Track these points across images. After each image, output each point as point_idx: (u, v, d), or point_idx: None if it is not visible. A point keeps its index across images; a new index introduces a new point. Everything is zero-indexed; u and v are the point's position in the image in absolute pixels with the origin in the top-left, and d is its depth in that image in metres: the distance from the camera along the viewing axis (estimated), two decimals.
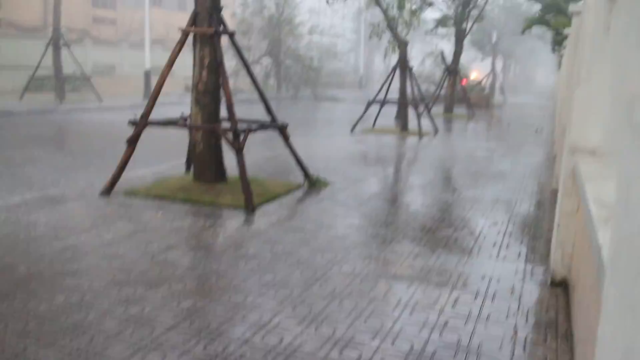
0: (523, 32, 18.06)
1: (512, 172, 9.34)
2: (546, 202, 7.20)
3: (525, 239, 5.50)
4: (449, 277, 4.35)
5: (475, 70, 34.22)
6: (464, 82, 31.51)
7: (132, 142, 6.87)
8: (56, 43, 19.44)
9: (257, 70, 29.81)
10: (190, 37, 7.00)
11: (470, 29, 21.11)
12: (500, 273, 4.50)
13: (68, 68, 20.73)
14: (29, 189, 6.91)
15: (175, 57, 6.96)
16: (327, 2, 14.37)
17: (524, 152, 12.01)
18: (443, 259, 4.78)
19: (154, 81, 19.55)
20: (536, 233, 5.74)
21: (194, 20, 6.87)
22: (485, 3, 20.92)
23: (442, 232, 5.62)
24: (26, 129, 13.72)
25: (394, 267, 4.54)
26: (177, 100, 21.60)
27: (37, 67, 19.15)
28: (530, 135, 15.43)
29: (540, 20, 16.92)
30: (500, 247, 5.20)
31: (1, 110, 16.14)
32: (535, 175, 9.21)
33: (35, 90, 20.29)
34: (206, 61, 6.90)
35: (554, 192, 7.50)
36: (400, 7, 17.98)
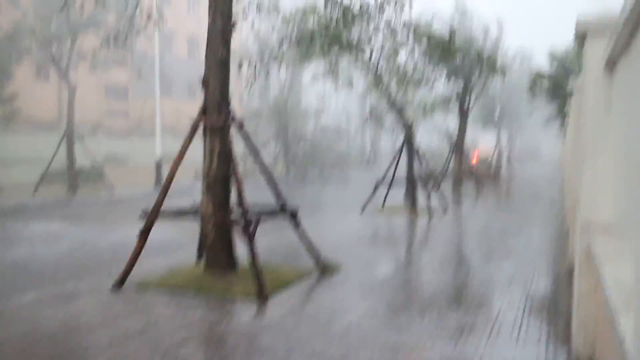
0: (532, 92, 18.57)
1: (525, 249, 9.23)
2: (562, 278, 7.08)
3: (545, 320, 5.37)
4: None
5: (483, 146, 34.63)
6: (475, 158, 31.84)
7: (144, 234, 6.90)
8: (70, 137, 19.96)
9: (265, 154, 30.31)
10: (200, 128, 7.17)
11: (472, 105, 21.53)
12: (522, 357, 4.36)
13: (81, 160, 21.17)
14: (41, 286, 6.88)
15: (186, 149, 7.11)
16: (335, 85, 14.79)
17: (536, 226, 11.92)
18: (462, 345, 4.65)
19: (164, 169, 19.93)
20: (555, 312, 5.60)
21: (204, 112, 7.06)
22: (485, 81, 21.41)
23: (459, 315, 5.50)
24: (40, 223, 13.84)
25: (412, 355, 4.41)
26: (188, 187, 21.88)
27: (51, 161, 19.55)
28: (540, 209, 15.37)
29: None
30: (519, 329, 5.07)
31: (15, 205, 16.37)
32: (550, 250, 9.10)
33: (48, 184, 20.63)
34: (216, 151, 7.03)
35: (570, 268, 7.39)
36: (402, 86, 18.42)
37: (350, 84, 15.14)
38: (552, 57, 21.15)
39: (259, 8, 9.61)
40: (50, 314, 5.48)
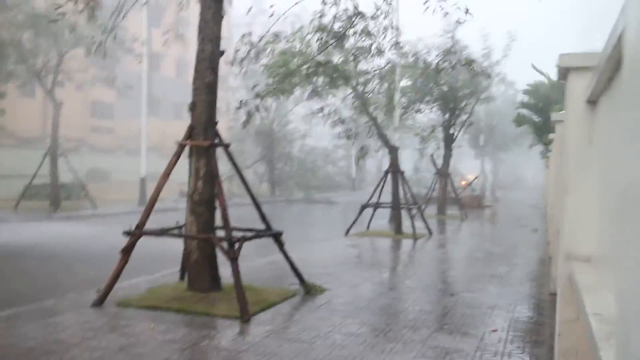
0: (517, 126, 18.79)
1: (508, 275, 9.29)
2: (545, 305, 7.12)
3: (528, 347, 5.39)
4: None
5: (469, 175, 35.02)
6: (464, 183, 32.10)
7: (126, 252, 6.85)
8: (53, 152, 19.83)
9: (250, 176, 30.30)
10: (187, 148, 7.19)
11: (458, 134, 21.76)
12: None
13: (64, 176, 21.02)
14: (21, 301, 6.78)
15: (172, 169, 7.11)
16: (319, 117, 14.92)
17: (519, 253, 12.01)
18: None
19: (149, 187, 19.85)
20: (538, 339, 5.63)
21: (190, 134, 7.08)
22: (472, 111, 21.69)
23: (442, 340, 5.51)
24: (19, 238, 13.67)
25: None
26: (172, 206, 21.75)
27: (34, 176, 19.39)
28: (523, 235, 15.48)
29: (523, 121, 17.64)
30: (502, 355, 5.08)
31: None
32: (532, 277, 9.16)
33: (30, 199, 20.43)
34: (202, 172, 7.03)
35: (552, 295, 7.44)
36: (388, 112, 18.61)
37: (334, 113, 15.23)
38: (529, 92, 21.46)
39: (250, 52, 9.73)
40: (29, 330, 5.39)
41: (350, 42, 12.51)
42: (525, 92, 20.89)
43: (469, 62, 12.65)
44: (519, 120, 20.63)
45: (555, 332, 4.64)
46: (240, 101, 10.68)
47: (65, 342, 5.10)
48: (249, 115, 10.79)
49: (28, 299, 6.97)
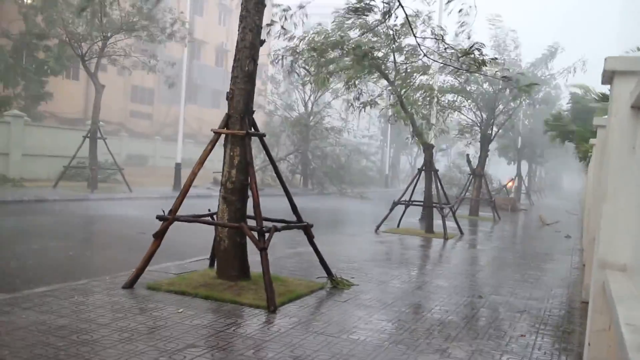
0: (548, 134, 18.30)
1: (539, 280, 9.13)
2: (576, 313, 6.99)
3: (556, 354, 5.29)
4: None
5: (511, 182, 34.44)
6: (511, 185, 31.63)
7: (159, 236, 6.96)
8: (93, 135, 20.23)
9: (283, 167, 30.42)
10: (222, 136, 7.25)
11: (495, 134, 21.45)
12: None
13: (102, 158, 21.44)
14: (56, 278, 6.96)
15: (207, 156, 7.19)
16: (353, 106, 14.79)
17: (552, 259, 11.79)
18: None
19: (183, 173, 20.09)
20: (567, 347, 5.53)
21: (226, 122, 7.14)
22: (512, 113, 21.35)
23: (468, 342, 5.45)
24: (57, 217, 14.01)
25: None
26: (205, 193, 22.02)
27: (73, 157, 19.82)
28: (558, 241, 15.20)
29: (561, 133, 17.15)
30: None
31: (36, 197, 16.60)
32: (564, 283, 8.99)
33: (69, 179, 20.91)
34: (236, 161, 7.08)
35: (584, 303, 7.29)
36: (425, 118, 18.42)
37: (372, 102, 15.15)
38: (573, 100, 20.90)
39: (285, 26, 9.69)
40: (61, 308, 5.53)
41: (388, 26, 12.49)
42: (553, 118, 19.81)
43: (506, 77, 12.43)
44: (553, 137, 19.74)
45: (584, 341, 4.55)
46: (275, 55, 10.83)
47: (95, 321, 5.22)
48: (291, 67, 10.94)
49: (62, 277, 7.15)
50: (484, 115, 21.30)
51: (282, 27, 9.51)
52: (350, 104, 14.62)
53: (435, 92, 15.88)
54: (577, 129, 15.62)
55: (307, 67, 13.72)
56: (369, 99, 15.10)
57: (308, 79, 13.59)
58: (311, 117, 32.30)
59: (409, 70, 14.71)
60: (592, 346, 3.81)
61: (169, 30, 20.76)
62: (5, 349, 4.36)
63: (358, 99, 14.55)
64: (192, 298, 6.30)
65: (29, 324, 4.99)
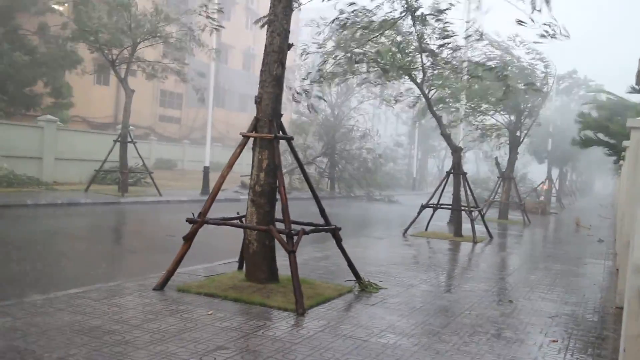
0: (579, 144, 17.94)
1: (571, 285, 8.98)
2: (609, 319, 6.85)
3: None
4: None
5: (544, 186, 33.99)
6: (545, 188, 31.22)
7: (189, 239, 7.03)
8: (124, 139, 20.54)
9: (311, 170, 30.45)
10: (250, 140, 7.30)
11: (524, 136, 21.17)
12: None
13: (132, 162, 21.74)
14: (88, 280, 7.09)
15: (236, 159, 7.25)
16: (387, 103, 14.80)
17: (584, 263, 11.59)
18: None
19: (212, 176, 20.27)
20: (600, 353, 5.42)
21: (255, 126, 7.19)
22: (538, 113, 21.03)
23: (498, 347, 5.39)
24: (89, 220, 14.26)
25: None
26: (233, 197, 22.18)
27: (104, 161, 20.15)
28: (590, 245, 14.93)
29: (587, 142, 16.79)
30: None
31: (68, 200, 16.92)
32: (597, 288, 8.83)
33: (100, 183, 21.27)
34: (264, 164, 7.13)
35: (618, 309, 7.15)
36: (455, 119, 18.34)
37: (395, 102, 15.17)
38: (600, 107, 20.46)
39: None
40: (94, 309, 5.63)
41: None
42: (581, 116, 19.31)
43: (531, 84, 12.35)
44: (585, 142, 19.23)
45: (619, 347, 4.46)
46: (296, 90, 10.89)
47: (127, 322, 5.30)
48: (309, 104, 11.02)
49: (94, 279, 7.28)
50: (512, 118, 21.04)
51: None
52: (382, 99, 14.67)
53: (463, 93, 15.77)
54: (612, 125, 15.23)
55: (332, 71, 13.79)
56: (398, 94, 15.14)
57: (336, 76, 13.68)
58: (338, 120, 32.27)
59: (436, 73, 14.63)
60: (627, 352, 3.74)
61: (197, 34, 20.96)
62: (41, 348, 4.46)
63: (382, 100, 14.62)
64: (222, 300, 6.35)
65: (63, 325, 5.09)
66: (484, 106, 19.52)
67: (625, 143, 10.10)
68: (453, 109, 16.13)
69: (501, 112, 20.93)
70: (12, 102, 23.28)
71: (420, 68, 14.04)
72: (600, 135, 16.90)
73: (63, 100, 24.99)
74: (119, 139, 20.49)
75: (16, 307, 5.53)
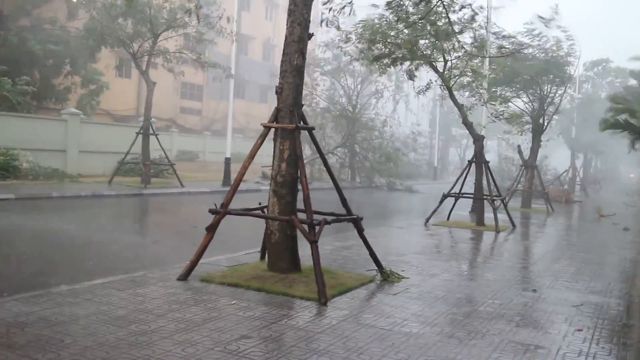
0: (602, 130, 17.58)
1: (596, 274, 8.87)
2: (635, 308, 6.76)
3: (614, 349, 5.14)
4: None
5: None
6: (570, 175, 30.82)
7: (212, 229, 7.09)
8: (146, 131, 20.72)
9: (332, 161, 30.42)
10: (271, 131, 7.31)
11: (548, 124, 20.88)
12: None
13: (154, 154, 21.95)
14: (114, 271, 7.20)
15: (257, 150, 7.28)
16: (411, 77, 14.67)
17: (608, 252, 11.43)
18: None
19: (233, 168, 20.36)
20: (626, 342, 5.36)
21: (276, 116, 7.19)
22: (561, 99, 20.73)
23: (522, 336, 5.35)
24: (113, 212, 14.45)
25: None
26: (254, 187, 22.27)
27: (127, 153, 20.36)
28: (615, 234, 14.72)
29: (616, 125, 16.43)
30: (586, 356, 4.88)
31: (92, 192, 17.15)
32: (622, 278, 8.71)
33: (123, 175, 21.52)
34: (286, 154, 7.14)
35: None
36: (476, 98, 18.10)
37: (422, 91, 15.05)
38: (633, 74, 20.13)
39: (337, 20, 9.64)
40: (120, 299, 5.72)
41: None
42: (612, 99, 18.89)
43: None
44: (609, 125, 18.76)
45: None
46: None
47: (152, 312, 5.37)
48: None
49: (119, 269, 7.38)
50: (535, 105, 20.78)
51: (327, 24, 9.47)
52: (408, 75, 14.48)
53: (484, 80, 15.60)
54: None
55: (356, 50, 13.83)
56: (425, 86, 15.03)
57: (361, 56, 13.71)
58: (356, 110, 32.14)
59: (458, 60, 14.50)
60: None
61: (216, 27, 21.01)
62: (68, 337, 4.54)
63: (412, 78, 14.48)
64: (245, 290, 6.40)
65: (89, 314, 5.17)
66: (508, 92, 19.32)
67: None
68: (476, 95, 15.96)
69: (523, 99, 20.70)
70: (39, 96, 23.66)
71: (441, 56, 13.93)
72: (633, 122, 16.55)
73: (92, 87, 25.28)
74: (141, 131, 20.68)
75: (44, 297, 5.64)
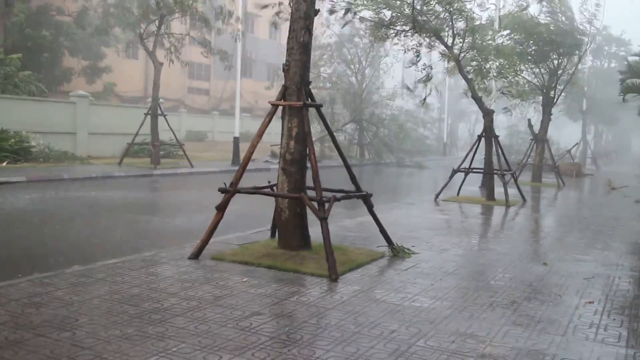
0: (624, 99, 17.39)
1: (607, 246, 8.85)
2: None
3: (626, 321, 5.15)
4: (542, 359, 4.12)
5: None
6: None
7: (221, 208, 7.12)
8: (154, 112, 20.74)
9: (340, 138, 30.33)
10: (279, 109, 7.29)
11: (559, 97, 20.66)
12: (599, 357, 4.21)
13: (163, 135, 22.00)
14: (126, 251, 7.26)
15: (265, 128, 7.26)
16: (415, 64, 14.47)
17: (619, 225, 11.38)
18: (535, 339, 4.54)
19: (242, 147, 20.38)
20: (637, 314, 5.36)
21: (283, 94, 7.16)
22: (574, 71, 20.47)
23: (533, 309, 5.37)
24: (124, 193, 14.54)
25: (482, 345, 4.35)
26: (263, 166, 22.30)
27: (136, 134, 20.41)
28: (627, 206, 14.64)
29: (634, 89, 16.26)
30: (597, 327, 4.89)
31: (103, 174, 17.25)
32: (633, 250, 8.68)
33: (133, 156, 21.60)
34: (294, 132, 7.12)
35: None
36: (484, 76, 17.93)
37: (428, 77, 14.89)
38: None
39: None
40: (133, 278, 5.78)
41: None
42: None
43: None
44: (627, 89, 18.63)
45: None
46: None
47: (164, 290, 5.42)
48: None
49: (131, 249, 7.45)
50: (546, 78, 20.55)
51: None
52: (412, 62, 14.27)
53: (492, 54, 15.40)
54: None
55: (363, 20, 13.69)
56: (427, 73, 14.86)
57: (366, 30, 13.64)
58: (364, 85, 31.88)
59: (467, 32, 14.32)
60: None
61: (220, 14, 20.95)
62: (83, 316, 4.60)
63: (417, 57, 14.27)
64: (256, 268, 6.44)
65: (103, 293, 5.24)
66: (518, 65, 19.10)
67: None
68: (484, 68, 15.83)
69: (533, 71, 20.45)
70: (50, 80, 23.72)
71: (450, 30, 13.78)
72: None
73: (101, 66, 25.29)
74: (150, 112, 20.71)
75: (58, 277, 5.70)
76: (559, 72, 20.17)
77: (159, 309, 4.87)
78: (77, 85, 26.13)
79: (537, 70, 20.49)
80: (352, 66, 32.11)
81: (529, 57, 19.85)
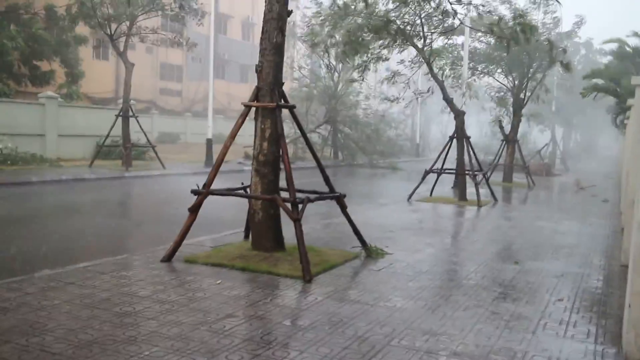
0: (584, 96, 17.88)
1: (577, 244, 9.02)
2: (615, 277, 6.90)
3: (594, 317, 5.25)
4: (513, 356, 4.18)
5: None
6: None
7: (194, 210, 7.06)
8: (125, 114, 20.48)
9: (314, 139, 30.32)
10: (252, 110, 7.26)
11: (528, 99, 20.98)
12: (568, 354, 4.29)
13: (135, 137, 21.73)
14: (97, 254, 7.15)
15: (238, 130, 7.23)
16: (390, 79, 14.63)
17: (589, 223, 11.60)
18: (506, 336, 4.60)
19: (215, 149, 20.24)
20: (606, 311, 5.47)
21: (256, 95, 7.14)
22: (544, 76, 20.80)
23: (505, 307, 5.44)
24: (94, 195, 14.33)
25: (454, 344, 4.40)
26: (237, 168, 22.19)
27: (107, 136, 20.12)
28: (595, 205, 14.94)
29: (597, 88, 16.71)
30: (567, 324, 4.98)
31: (73, 176, 16.96)
32: (602, 248, 8.86)
33: (104, 158, 21.29)
34: (267, 133, 7.10)
35: (623, 267, 7.19)
36: (456, 76, 18.16)
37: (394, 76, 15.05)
38: (615, 54, 20.29)
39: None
40: (104, 282, 5.69)
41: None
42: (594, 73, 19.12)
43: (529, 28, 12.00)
44: (594, 88, 19.12)
45: (624, 304, 4.50)
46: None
47: (136, 294, 5.36)
48: None
49: (102, 253, 7.34)
50: (516, 81, 20.85)
51: None
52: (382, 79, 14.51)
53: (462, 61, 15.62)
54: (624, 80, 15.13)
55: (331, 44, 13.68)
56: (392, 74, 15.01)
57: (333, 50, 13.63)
58: (339, 87, 31.96)
59: (436, 34, 14.49)
60: (633, 307, 3.77)
61: (191, 7, 20.77)
62: (52, 321, 4.52)
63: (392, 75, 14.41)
64: (229, 270, 6.40)
65: (73, 298, 5.15)
66: (490, 67, 19.36)
67: (630, 101, 10.02)
68: (454, 75, 16.04)
69: (505, 74, 20.75)
70: (19, 81, 23.23)
71: (420, 33, 13.91)
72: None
73: (74, 71, 24.88)
74: (121, 114, 20.44)
75: (27, 282, 5.59)
76: (529, 75, 20.48)
77: (131, 312, 4.81)
78: (47, 86, 25.63)
79: (509, 74, 20.80)
80: (328, 67, 32.13)
81: (502, 63, 20.16)
